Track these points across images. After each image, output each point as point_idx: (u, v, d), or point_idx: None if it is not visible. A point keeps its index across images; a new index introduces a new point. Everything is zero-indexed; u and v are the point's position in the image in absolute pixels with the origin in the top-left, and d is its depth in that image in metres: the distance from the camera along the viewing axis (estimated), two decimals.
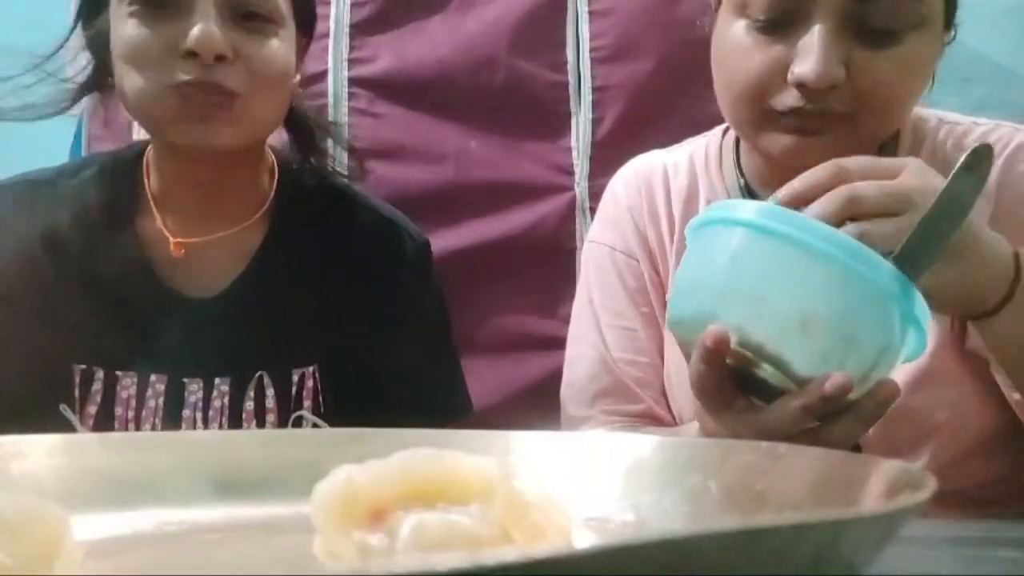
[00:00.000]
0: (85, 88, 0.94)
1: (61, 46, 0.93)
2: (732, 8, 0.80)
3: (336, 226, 1.00)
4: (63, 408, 0.91)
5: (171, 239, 0.94)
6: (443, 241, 1.36)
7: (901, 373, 0.79)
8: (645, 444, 0.49)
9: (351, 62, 1.40)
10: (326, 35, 1.40)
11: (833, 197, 0.61)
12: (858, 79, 0.74)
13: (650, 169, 0.99)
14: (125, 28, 0.87)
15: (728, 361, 0.59)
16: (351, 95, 1.39)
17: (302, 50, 0.98)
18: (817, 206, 0.61)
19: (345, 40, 1.40)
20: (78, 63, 0.94)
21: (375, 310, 0.99)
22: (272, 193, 0.99)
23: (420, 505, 0.34)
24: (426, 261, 1.05)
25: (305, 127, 1.03)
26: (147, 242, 0.95)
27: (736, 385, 0.61)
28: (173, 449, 0.51)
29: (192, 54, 0.84)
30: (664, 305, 0.96)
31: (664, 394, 0.96)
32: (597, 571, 0.22)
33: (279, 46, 0.90)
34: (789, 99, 0.76)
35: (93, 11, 0.91)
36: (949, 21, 0.80)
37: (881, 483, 0.37)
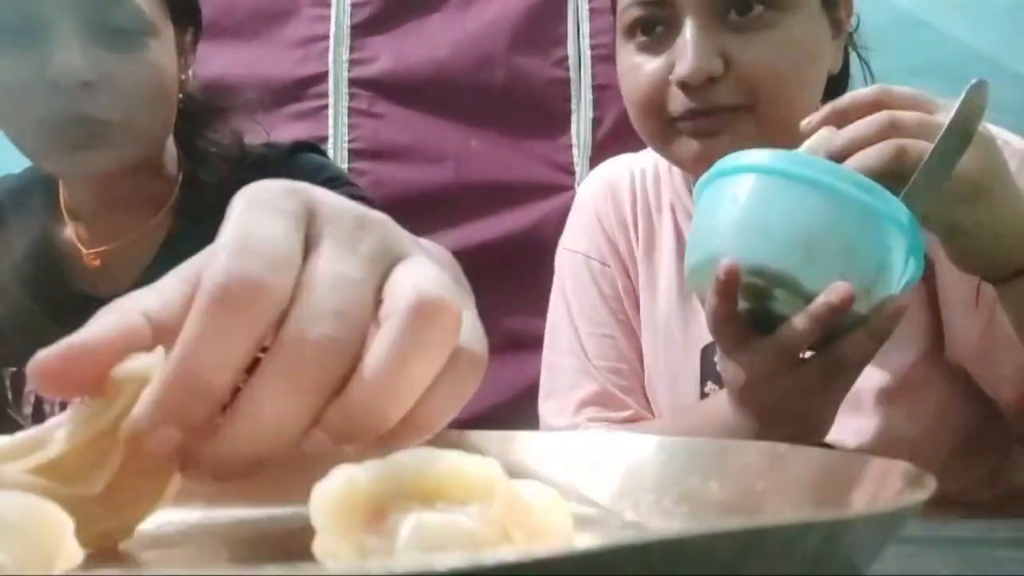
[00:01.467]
0: None
1: None
2: (621, 35, 0.83)
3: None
4: (11, 412, 0.93)
5: (84, 250, 0.94)
6: (443, 241, 1.36)
7: (881, 382, 0.80)
8: (645, 444, 0.49)
9: (351, 63, 1.40)
10: (326, 36, 1.40)
11: (882, 149, 0.61)
12: (738, 68, 0.76)
13: (617, 175, 0.99)
14: None
15: (741, 302, 0.62)
16: (351, 96, 1.39)
17: (189, 46, 0.94)
18: (869, 158, 0.62)
19: (345, 41, 1.41)
20: None
21: None
22: (179, 181, 0.97)
23: (420, 505, 0.34)
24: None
25: (194, 123, 0.98)
26: (62, 249, 0.96)
27: (749, 326, 0.64)
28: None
29: (54, 84, 0.80)
30: (638, 311, 0.96)
31: (645, 399, 0.96)
32: (597, 571, 0.22)
33: (153, 59, 0.86)
34: (678, 103, 0.78)
35: None
36: (831, 3, 0.81)
37: (881, 483, 0.37)
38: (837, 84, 0.86)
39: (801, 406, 0.64)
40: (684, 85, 0.77)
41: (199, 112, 0.98)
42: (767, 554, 0.25)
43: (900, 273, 0.63)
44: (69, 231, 0.96)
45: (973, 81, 0.61)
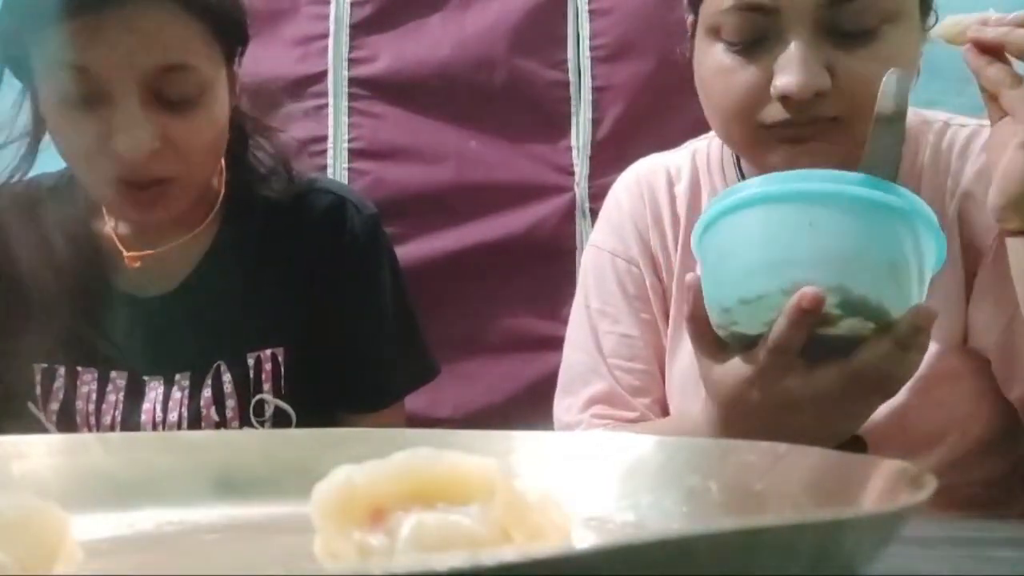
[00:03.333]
0: (36, 136, 0.93)
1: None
2: (706, 33, 0.80)
3: (283, 209, 1.00)
4: (31, 407, 0.93)
5: (124, 252, 0.95)
6: (443, 241, 1.36)
7: None
8: (645, 444, 0.49)
9: (351, 62, 1.40)
10: (326, 35, 1.40)
11: None
12: (843, 82, 0.75)
13: (652, 172, 0.98)
14: (54, 116, 0.86)
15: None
16: (351, 95, 1.39)
17: (235, 74, 0.95)
18: None
19: (345, 40, 1.40)
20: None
21: (328, 285, 0.99)
22: (222, 194, 0.99)
23: (420, 505, 0.34)
24: (374, 231, 1.03)
25: (240, 134, 1.00)
26: (101, 248, 0.97)
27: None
28: (173, 449, 0.51)
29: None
30: (666, 311, 0.95)
31: (660, 402, 0.95)
32: (597, 571, 0.22)
33: (212, 115, 0.88)
34: (776, 113, 0.76)
35: (20, 72, 0.88)
36: (926, 7, 0.80)
37: (881, 483, 0.37)
38: None
39: (814, 418, 0.64)
40: (785, 98, 0.75)
41: (244, 125, 1.00)
42: (767, 554, 0.25)
43: (924, 269, 0.63)
44: (109, 230, 0.97)
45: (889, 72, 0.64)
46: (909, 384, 0.79)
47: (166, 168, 0.85)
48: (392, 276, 1.05)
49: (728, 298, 0.64)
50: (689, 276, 0.68)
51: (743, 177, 0.92)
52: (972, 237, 0.82)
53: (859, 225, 0.61)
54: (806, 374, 0.63)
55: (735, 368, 0.65)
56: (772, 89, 0.75)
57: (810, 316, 0.60)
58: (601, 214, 1.03)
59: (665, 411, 0.95)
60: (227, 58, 0.91)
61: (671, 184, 0.97)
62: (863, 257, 0.60)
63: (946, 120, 0.88)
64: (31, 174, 0.97)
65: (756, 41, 0.76)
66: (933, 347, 0.80)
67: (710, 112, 0.84)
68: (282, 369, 0.96)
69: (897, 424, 0.79)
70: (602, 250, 0.98)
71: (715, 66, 0.80)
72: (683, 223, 0.94)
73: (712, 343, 0.67)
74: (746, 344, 0.65)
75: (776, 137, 0.78)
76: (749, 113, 0.78)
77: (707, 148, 0.97)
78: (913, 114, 0.87)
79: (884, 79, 0.63)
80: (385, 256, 1.05)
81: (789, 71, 0.74)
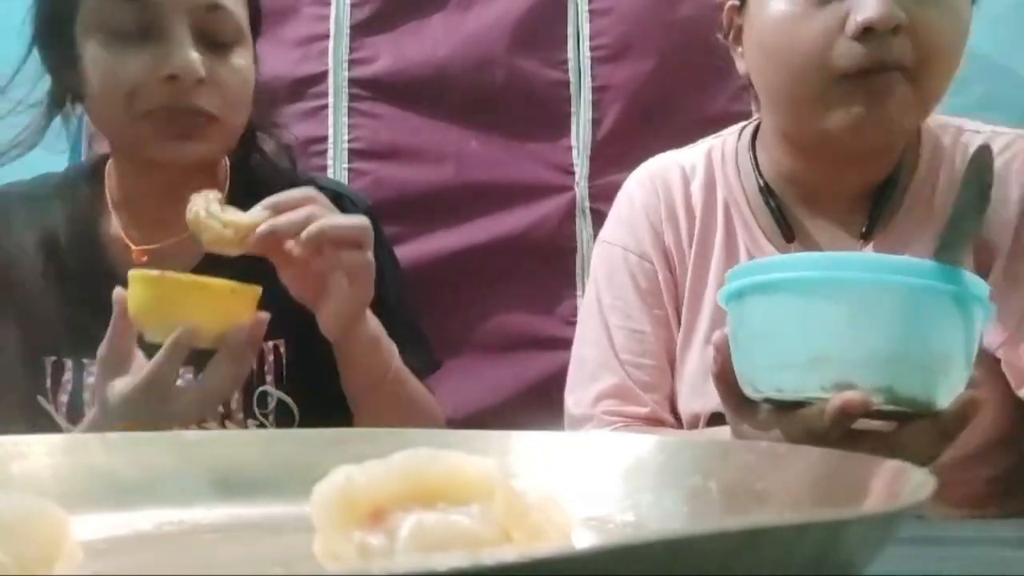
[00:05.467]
0: (50, 112, 0.97)
1: (18, 71, 0.96)
2: None
3: None
4: (41, 399, 0.96)
5: (132, 247, 0.98)
6: (443, 241, 1.36)
7: None
8: (645, 444, 0.49)
9: (351, 63, 1.40)
10: (326, 35, 1.40)
11: None
12: (915, 26, 0.76)
13: (666, 169, 0.99)
14: (101, 54, 0.90)
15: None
16: (351, 96, 1.39)
17: (257, 53, 1.02)
18: None
19: (345, 40, 1.40)
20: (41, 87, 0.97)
21: None
22: (227, 186, 1.02)
23: (420, 505, 0.34)
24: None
25: (248, 139, 1.05)
26: (107, 244, 0.99)
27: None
28: (173, 449, 0.51)
29: (172, 78, 0.88)
30: (677, 307, 0.96)
31: (670, 398, 0.95)
32: (597, 571, 0.22)
33: (245, 66, 0.95)
34: (855, 54, 0.77)
35: (54, 35, 0.93)
36: None
37: (881, 483, 0.37)
38: None
39: None
40: (866, 33, 0.75)
41: (251, 118, 1.04)
42: (767, 554, 0.25)
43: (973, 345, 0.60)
44: (116, 226, 1.00)
45: (980, 144, 0.63)
46: None
47: (209, 101, 0.90)
48: (390, 267, 1.06)
49: (762, 382, 0.62)
50: (716, 335, 0.66)
51: (761, 177, 0.93)
52: (983, 234, 0.83)
53: (906, 319, 0.56)
54: (848, 447, 0.60)
55: (768, 427, 0.64)
56: (851, 24, 0.76)
57: (853, 418, 0.58)
58: (612, 211, 1.03)
59: (675, 407, 0.95)
60: (252, 29, 0.98)
61: (686, 181, 0.97)
62: (911, 355, 0.56)
63: (959, 126, 0.91)
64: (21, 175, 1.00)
65: None
66: None
67: (777, 70, 0.83)
68: (284, 361, 0.98)
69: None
70: (614, 245, 0.98)
71: (785, 15, 0.80)
72: (698, 220, 0.95)
73: (741, 403, 0.65)
74: (780, 406, 0.62)
75: (851, 93, 0.78)
76: (825, 59, 0.78)
77: (722, 146, 0.98)
78: (930, 119, 0.89)
79: (976, 150, 0.61)
80: (383, 247, 1.05)
81: (864, 6, 0.75)
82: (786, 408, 0.61)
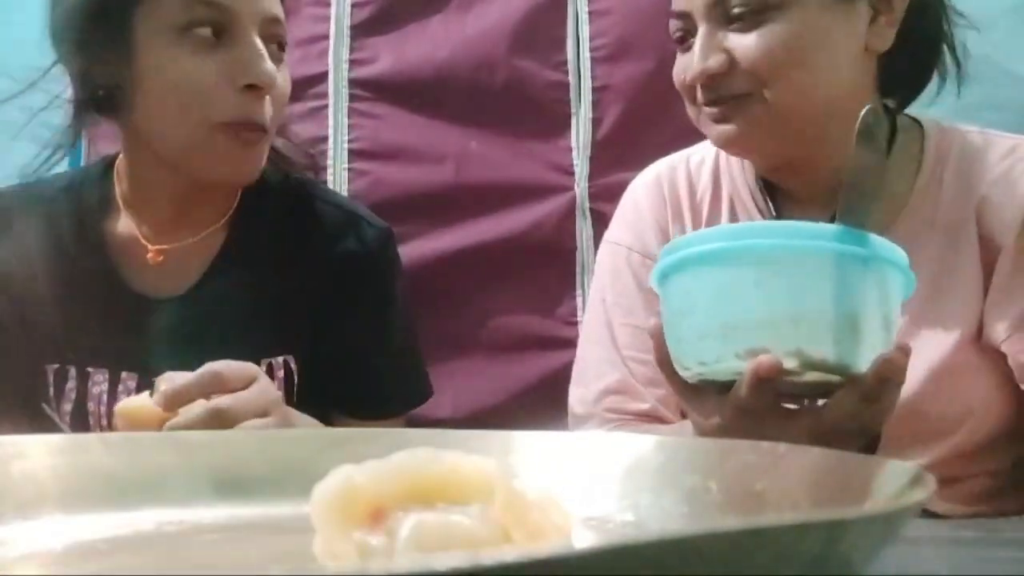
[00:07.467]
0: (83, 118, 0.93)
1: (46, 72, 0.93)
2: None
3: (297, 219, 1.01)
4: (45, 407, 0.93)
5: (148, 246, 0.95)
6: (443, 241, 1.36)
7: (921, 370, 0.82)
8: (645, 444, 0.49)
9: (351, 63, 1.40)
10: (326, 36, 1.40)
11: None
12: (741, 59, 0.83)
13: (672, 169, 1.01)
14: (170, 55, 0.86)
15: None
16: (351, 96, 1.39)
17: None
18: None
19: (345, 41, 1.40)
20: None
21: (339, 298, 0.99)
22: (239, 193, 1.00)
23: (420, 505, 0.34)
24: (387, 247, 1.04)
25: None
26: (115, 248, 0.97)
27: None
28: (173, 449, 0.51)
29: (249, 88, 0.85)
30: None
31: (672, 394, 0.96)
32: (597, 571, 0.22)
33: (288, 80, 0.93)
34: (701, 94, 0.86)
35: (98, 32, 0.88)
36: None
37: (881, 483, 0.37)
38: (909, 56, 0.88)
39: None
40: (698, 79, 0.85)
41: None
42: (767, 554, 0.25)
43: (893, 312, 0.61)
44: (131, 227, 0.97)
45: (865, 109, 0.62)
46: (923, 374, 0.81)
47: (266, 114, 0.88)
48: (397, 304, 1.05)
49: (687, 357, 0.63)
50: (651, 323, 0.68)
51: (755, 171, 0.94)
52: (989, 234, 0.84)
53: (812, 282, 0.58)
54: (780, 424, 0.62)
55: (710, 414, 0.65)
56: (692, 78, 0.85)
57: (769, 382, 0.59)
58: (617, 212, 1.04)
59: (676, 404, 0.95)
60: None
61: (691, 178, 0.99)
62: (819, 317, 0.58)
63: (963, 131, 0.91)
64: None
65: (688, 39, 0.86)
66: (949, 338, 0.82)
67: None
68: (295, 377, 0.96)
69: (910, 414, 0.80)
70: (619, 246, 1.00)
71: (677, 62, 0.90)
72: (704, 216, 0.97)
73: (684, 386, 0.67)
74: (719, 388, 0.64)
75: (708, 117, 0.87)
76: (691, 95, 0.88)
77: None
78: (934, 125, 0.91)
79: (863, 113, 0.62)
80: (397, 272, 1.05)
81: (694, 59, 0.84)
82: (725, 391, 0.63)
